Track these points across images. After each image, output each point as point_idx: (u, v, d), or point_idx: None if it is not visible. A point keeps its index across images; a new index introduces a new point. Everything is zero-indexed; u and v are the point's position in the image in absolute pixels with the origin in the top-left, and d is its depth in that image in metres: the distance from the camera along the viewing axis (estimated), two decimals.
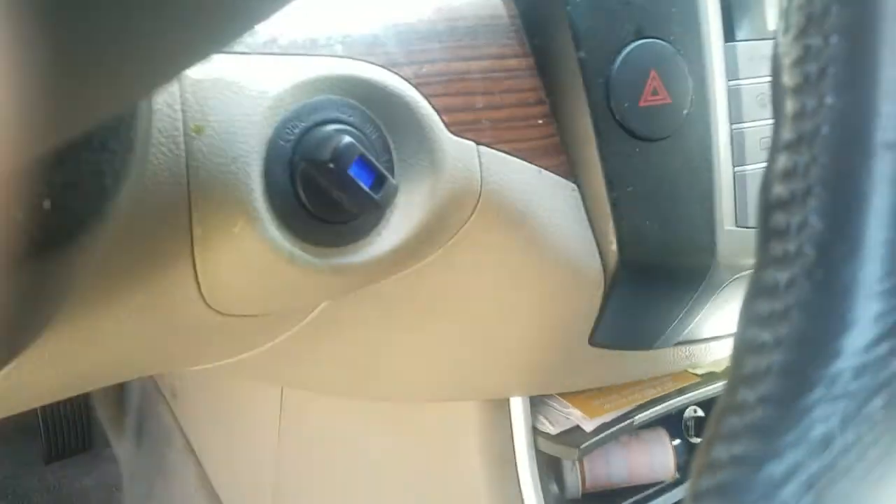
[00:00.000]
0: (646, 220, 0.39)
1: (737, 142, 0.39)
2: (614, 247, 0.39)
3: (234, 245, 0.33)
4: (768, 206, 0.16)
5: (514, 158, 0.37)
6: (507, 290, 0.42)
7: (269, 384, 0.68)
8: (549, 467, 0.55)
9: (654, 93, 0.37)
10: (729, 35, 0.39)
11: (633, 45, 0.37)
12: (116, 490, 0.92)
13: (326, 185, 0.32)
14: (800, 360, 0.15)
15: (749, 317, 0.16)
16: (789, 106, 0.16)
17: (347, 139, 0.31)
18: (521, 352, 0.47)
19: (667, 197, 0.39)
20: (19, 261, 0.20)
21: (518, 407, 0.53)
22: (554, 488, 0.54)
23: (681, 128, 0.38)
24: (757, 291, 0.16)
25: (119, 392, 0.94)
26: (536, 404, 0.54)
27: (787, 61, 0.17)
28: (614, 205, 0.39)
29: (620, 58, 0.36)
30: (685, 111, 0.38)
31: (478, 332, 0.46)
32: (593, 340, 0.44)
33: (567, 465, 0.54)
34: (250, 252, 0.33)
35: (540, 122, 0.38)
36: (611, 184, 0.38)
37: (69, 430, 0.93)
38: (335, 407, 0.64)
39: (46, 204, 0.21)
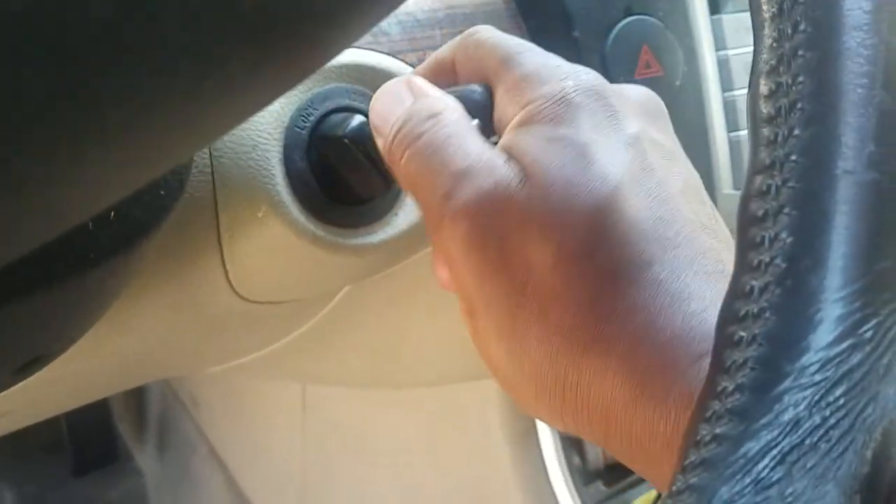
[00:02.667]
0: None
1: (729, 109, 0.41)
2: None
3: (258, 229, 0.35)
4: (746, 222, 0.19)
5: None
6: None
7: (292, 381, 0.70)
8: (572, 440, 0.56)
9: (647, 66, 0.39)
10: (714, 8, 0.41)
11: (623, 22, 0.39)
12: (143, 501, 0.93)
13: (342, 167, 0.34)
14: (772, 355, 0.17)
15: (728, 317, 0.18)
16: (764, 133, 0.19)
17: (359, 119, 0.33)
18: None
19: None
20: (90, 265, 0.23)
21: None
22: (576, 460, 0.56)
23: (675, 98, 0.40)
24: (735, 295, 0.18)
25: (139, 403, 0.96)
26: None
27: (762, 92, 0.19)
28: None
29: (613, 35, 0.38)
30: (678, 82, 0.40)
31: None
32: None
33: None
34: (275, 235, 0.35)
35: None
36: None
37: (93, 444, 0.95)
38: (358, 399, 0.66)
39: (112, 214, 0.24)
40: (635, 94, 0.27)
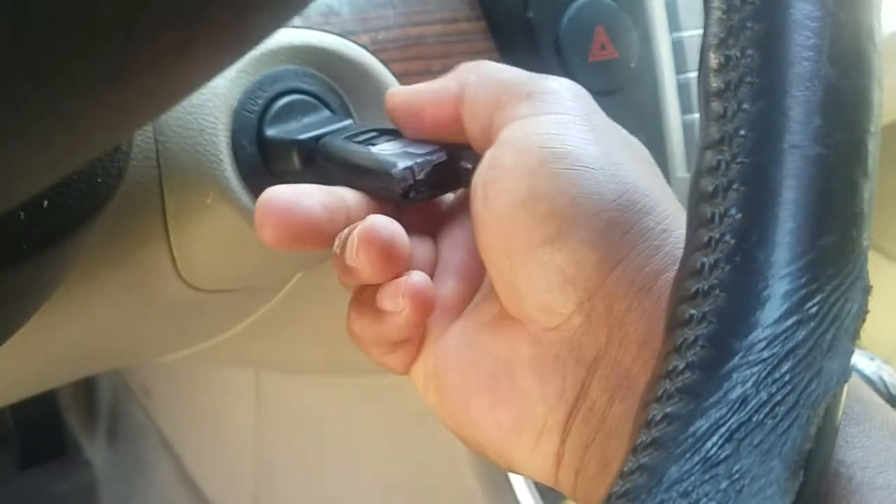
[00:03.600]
0: None
1: (684, 91, 0.41)
2: None
3: (207, 216, 0.34)
4: (696, 198, 0.19)
5: None
6: None
7: (246, 369, 0.69)
8: None
9: (602, 48, 0.39)
10: None
11: (578, 3, 0.39)
12: (93, 493, 0.91)
13: (292, 151, 0.33)
14: (721, 332, 0.18)
15: (679, 295, 0.19)
16: (714, 108, 0.19)
17: (318, 133, 0.32)
18: None
19: None
20: (22, 257, 0.22)
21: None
22: None
23: (629, 81, 0.40)
24: (686, 273, 0.19)
25: (88, 394, 0.93)
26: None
27: (711, 66, 0.19)
28: None
29: (567, 16, 0.38)
30: (632, 64, 0.40)
31: None
32: None
33: None
34: (223, 222, 0.34)
35: None
36: None
37: (41, 436, 0.92)
38: (313, 387, 0.65)
39: (46, 203, 0.23)
40: (558, 85, 0.27)
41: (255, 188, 0.33)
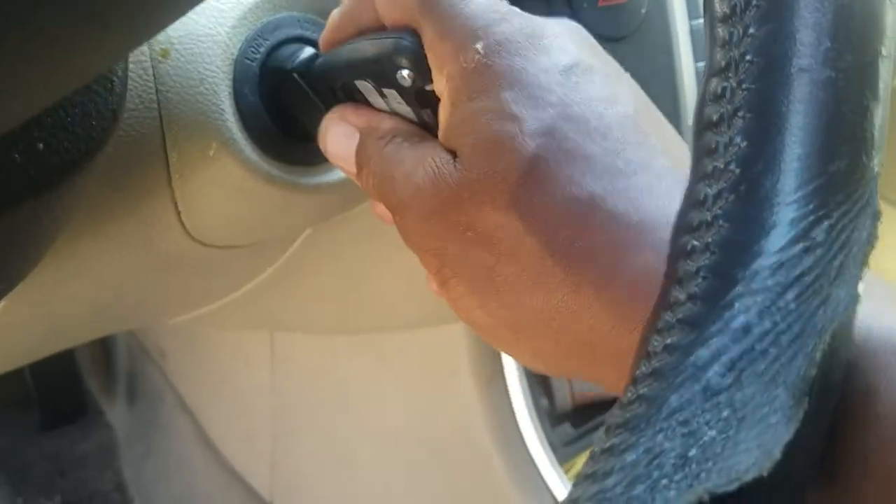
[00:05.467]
0: None
1: (697, 37, 0.40)
2: None
3: (210, 168, 0.33)
4: (700, 127, 0.18)
5: None
6: None
7: (258, 329, 0.69)
8: (539, 383, 0.56)
9: None
10: None
11: None
12: (114, 453, 0.93)
13: (292, 102, 0.32)
14: (724, 262, 0.17)
15: (681, 226, 0.18)
16: (719, 34, 0.18)
17: (308, 54, 0.31)
18: None
19: None
20: (21, 199, 0.22)
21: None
22: (544, 402, 0.56)
23: (640, 26, 0.39)
24: (689, 204, 0.18)
25: (106, 357, 0.95)
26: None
27: None
28: None
29: None
30: (643, 10, 0.39)
31: None
32: None
33: (555, 379, 0.56)
34: (227, 174, 0.33)
35: None
36: None
37: (61, 398, 0.94)
38: (325, 345, 0.65)
39: (41, 146, 0.22)
40: (559, 27, 0.26)
41: (258, 139, 0.33)
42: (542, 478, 0.55)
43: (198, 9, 0.31)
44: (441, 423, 0.59)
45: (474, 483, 0.57)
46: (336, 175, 0.36)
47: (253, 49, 0.32)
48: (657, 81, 0.40)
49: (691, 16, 0.40)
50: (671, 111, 0.40)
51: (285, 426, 0.72)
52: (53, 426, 0.94)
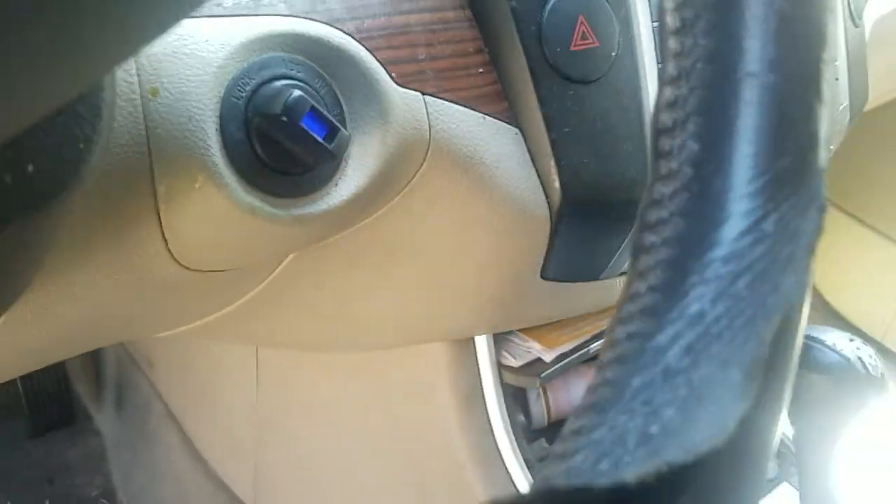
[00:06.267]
0: (584, 159, 0.42)
1: None
2: (557, 185, 0.42)
3: (196, 200, 0.35)
4: (656, 132, 0.20)
5: (459, 107, 0.39)
6: (462, 232, 0.45)
7: (243, 345, 0.71)
8: (516, 400, 0.58)
9: (584, 37, 0.39)
10: None
11: None
12: (102, 461, 0.94)
13: (281, 138, 0.34)
14: (680, 255, 0.19)
15: (642, 224, 0.20)
16: (671, 46, 0.20)
17: (297, 93, 0.33)
18: (479, 291, 0.49)
19: (602, 136, 0.42)
20: (9, 220, 0.23)
21: (483, 344, 0.56)
22: (521, 419, 0.57)
23: (610, 69, 0.41)
24: (648, 203, 0.20)
25: (95, 365, 0.96)
26: (499, 341, 0.57)
27: (669, 6, 0.20)
28: (554, 145, 0.41)
29: (549, 5, 0.39)
30: (613, 53, 0.40)
31: (438, 276, 0.48)
32: (545, 275, 0.47)
33: (532, 396, 0.58)
34: (213, 206, 0.35)
35: (480, 70, 0.40)
36: (549, 126, 0.41)
37: (51, 406, 0.95)
38: (309, 361, 0.67)
39: (31, 168, 0.24)
40: None
41: (243, 173, 0.35)
42: (518, 493, 0.56)
43: (186, 50, 0.33)
44: (419, 438, 0.60)
45: (451, 497, 0.58)
46: (319, 206, 0.37)
47: (239, 88, 0.34)
48: (627, 121, 0.41)
49: (659, 59, 0.41)
50: (640, 150, 0.42)
51: (269, 437, 0.73)
52: (42, 433, 0.95)
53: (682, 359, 0.17)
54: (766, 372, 0.17)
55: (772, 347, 0.17)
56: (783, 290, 0.18)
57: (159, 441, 0.87)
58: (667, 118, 0.19)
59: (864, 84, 0.58)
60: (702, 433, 0.16)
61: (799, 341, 0.18)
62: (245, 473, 0.78)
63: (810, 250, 0.18)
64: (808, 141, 0.19)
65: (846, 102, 0.55)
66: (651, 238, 0.19)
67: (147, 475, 0.89)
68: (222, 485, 0.80)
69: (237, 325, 0.58)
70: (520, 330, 0.57)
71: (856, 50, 0.56)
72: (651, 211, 0.19)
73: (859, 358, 0.46)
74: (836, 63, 0.53)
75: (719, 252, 0.18)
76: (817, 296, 1.32)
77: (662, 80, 0.20)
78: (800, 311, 0.18)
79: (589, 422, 0.17)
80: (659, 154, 0.20)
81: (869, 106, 1.03)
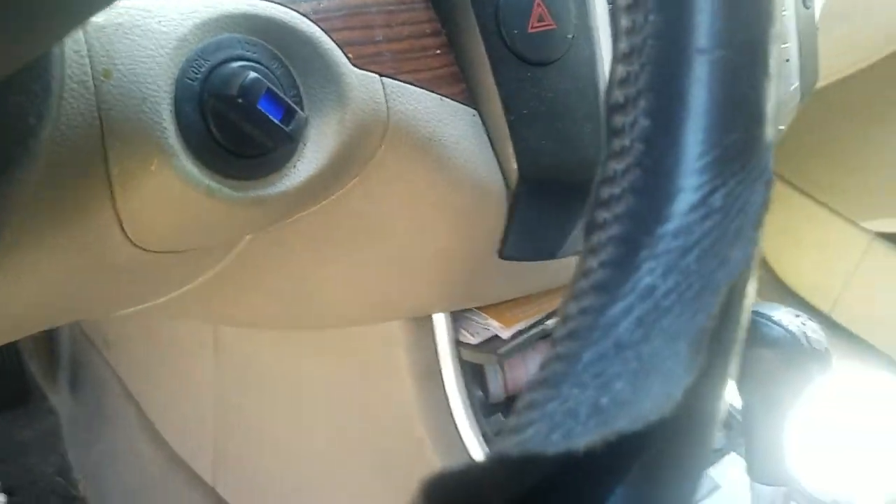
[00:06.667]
0: (542, 140, 0.42)
1: None
2: (514, 165, 0.43)
3: (152, 182, 0.34)
4: (608, 110, 0.20)
5: (417, 88, 0.39)
6: (421, 212, 0.45)
7: (202, 322, 0.70)
8: (474, 377, 0.59)
9: (540, 19, 0.40)
10: None
11: None
12: (57, 440, 0.93)
13: (237, 120, 0.34)
14: (631, 231, 0.19)
15: (595, 201, 0.20)
16: (623, 23, 0.20)
17: (254, 74, 0.33)
18: (438, 270, 0.50)
19: (559, 117, 0.42)
20: None
21: (441, 322, 0.56)
22: (479, 394, 0.58)
23: (567, 51, 0.41)
24: (601, 181, 0.20)
25: (49, 345, 0.94)
26: (457, 319, 0.57)
27: None
28: (512, 127, 0.42)
29: None
30: (570, 35, 0.41)
31: (397, 255, 0.49)
32: (503, 253, 0.47)
33: (490, 372, 0.59)
34: (169, 188, 0.35)
35: (438, 52, 0.40)
36: (507, 107, 0.41)
37: (4, 384, 0.94)
38: (268, 339, 0.67)
39: None
40: None
41: (199, 155, 0.34)
42: None
43: (139, 32, 0.33)
44: (378, 414, 0.61)
45: (409, 472, 0.59)
46: (277, 188, 0.37)
47: (194, 69, 0.34)
48: (584, 102, 0.42)
49: (614, 39, 0.42)
50: (596, 131, 0.42)
51: (228, 415, 0.73)
52: None
53: (632, 332, 0.18)
54: (712, 344, 0.17)
55: (719, 320, 0.18)
56: (731, 264, 0.18)
57: (117, 420, 0.87)
58: (619, 95, 0.20)
59: (815, 65, 0.59)
60: (650, 403, 0.16)
61: (746, 313, 0.19)
62: (204, 451, 0.78)
63: (758, 224, 0.19)
64: (755, 116, 0.19)
65: (797, 83, 0.56)
66: (604, 214, 0.19)
67: (104, 454, 0.88)
68: (181, 462, 0.80)
69: (195, 303, 0.57)
70: (478, 308, 0.58)
71: (806, 31, 0.57)
72: (604, 188, 0.20)
73: (804, 333, 0.48)
74: (787, 45, 0.54)
75: (669, 227, 0.18)
76: (768, 271, 1.35)
77: (615, 58, 0.20)
78: (746, 283, 0.19)
79: (541, 396, 0.18)
80: (612, 131, 0.20)
81: (819, 85, 1.05)
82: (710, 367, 0.18)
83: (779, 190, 1.29)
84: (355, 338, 0.60)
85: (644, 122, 0.19)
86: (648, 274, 0.18)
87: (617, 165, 0.19)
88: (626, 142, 0.19)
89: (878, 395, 0.50)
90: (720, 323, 0.18)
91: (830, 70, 1.03)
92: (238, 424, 0.73)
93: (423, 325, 0.57)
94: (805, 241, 1.29)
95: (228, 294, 0.54)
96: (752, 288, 0.19)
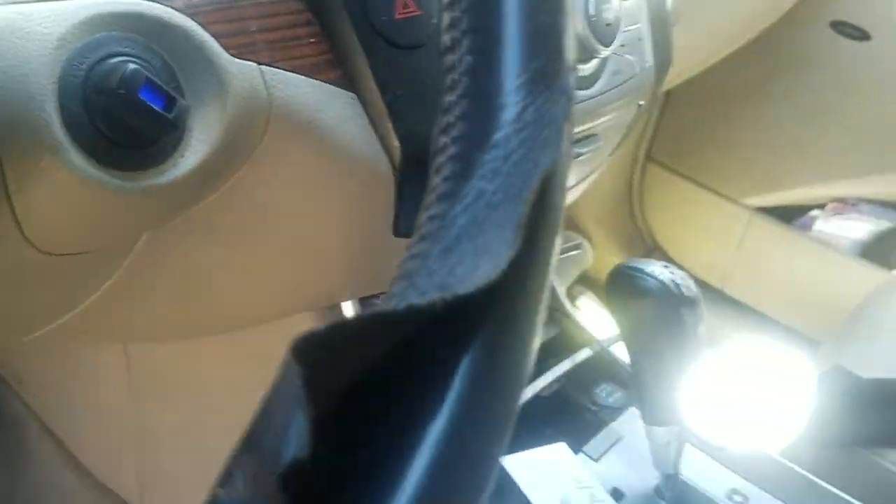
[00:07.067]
0: (419, 118, 0.46)
1: None
2: (396, 144, 0.46)
3: (45, 180, 0.36)
4: (441, 51, 0.24)
5: (295, 75, 0.42)
6: (312, 196, 0.48)
7: (112, 343, 0.70)
8: None
9: (406, 6, 0.43)
10: None
11: None
12: None
13: (121, 111, 0.36)
14: (464, 149, 0.23)
15: (437, 130, 0.24)
16: None
17: (133, 66, 0.35)
18: (336, 254, 0.52)
19: (432, 97, 0.45)
20: None
21: (350, 311, 0.59)
22: None
23: (434, 35, 0.45)
24: (440, 111, 0.24)
25: None
26: (365, 307, 0.60)
27: None
28: (390, 108, 0.45)
29: None
30: (434, 20, 0.44)
31: (295, 242, 0.51)
32: (398, 230, 0.50)
33: None
34: (61, 184, 0.36)
35: (312, 40, 0.43)
36: (383, 90, 0.44)
37: None
38: (178, 351, 0.68)
39: None
40: None
41: (88, 149, 0.36)
42: None
43: (21, 34, 0.34)
44: None
45: None
46: (167, 177, 0.39)
47: (75, 67, 0.36)
48: None
49: None
50: None
51: (148, 434, 0.73)
52: None
53: (469, 228, 0.21)
54: (530, 224, 0.21)
55: (535, 207, 0.22)
56: (541, 164, 0.22)
57: (38, 457, 0.85)
58: (447, 38, 0.24)
59: (668, 46, 0.65)
60: (482, 274, 0.20)
61: (559, 203, 0.23)
62: (128, 476, 0.77)
63: (561, 132, 0.23)
64: (557, 44, 0.24)
65: (651, 62, 0.62)
66: (443, 139, 0.23)
67: (28, 491, 0.86)
68: (108, 490, 0.79)
69: (102, 319, 0.58)
70: (384, 294, 0.60)
71: (658, 14, 0.63)
72: (442, 118, 0.24)
73: (674, 281, 0.52)
74: (639, 25, 0.60)
75: (494, 140, 0.22)
76: (662, 254, 1.43)
77: (441, 7, 0.24)
78: (556, 178, 0.23)
79: (399, 288, 0.21)
80: (445, 69, 0.24)
81: (684, 75, 1.13)
82: (529, 242, 0.21)
83: (664, 177, 1.38)
84: (267, 336, 0.61)
85: (468, 59, 0.23)
86: (479, 180, 0.22)
87: (451, 98, 0.23)
88: (456, 76, 0.23)
89: (764, 361, 0.54)
90: (536, 209, 0.22)
91: (699, 59, 1.11)
92: (159, 440, 0.73)
93: (333, 314, 0.59)
94: (692, 222, 1.38)
95: (134, 303, 0.55)
96: (563, 182, 0.23)
